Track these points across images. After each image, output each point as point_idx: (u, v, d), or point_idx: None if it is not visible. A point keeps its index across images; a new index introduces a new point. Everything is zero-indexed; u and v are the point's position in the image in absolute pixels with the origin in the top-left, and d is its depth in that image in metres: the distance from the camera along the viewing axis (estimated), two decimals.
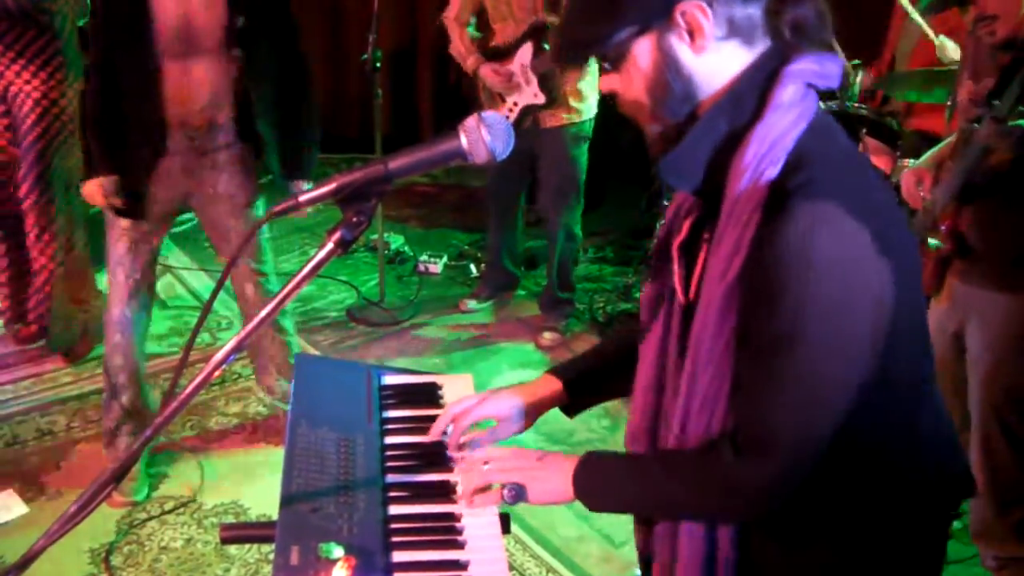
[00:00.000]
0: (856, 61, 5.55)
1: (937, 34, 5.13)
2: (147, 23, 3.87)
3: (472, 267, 6.96)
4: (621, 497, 2.03)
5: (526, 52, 5.48)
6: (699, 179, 1.83)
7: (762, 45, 1.80)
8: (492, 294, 6.50)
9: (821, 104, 4.95)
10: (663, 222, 2.13)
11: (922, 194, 3.63)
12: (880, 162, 5.20)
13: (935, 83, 5.05)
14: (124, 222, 4.16)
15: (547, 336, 5.95)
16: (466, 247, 7.31)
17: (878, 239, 1.68)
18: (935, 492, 2.01)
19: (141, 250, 4.23)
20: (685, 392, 1.89)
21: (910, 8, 5.29)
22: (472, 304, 6.44)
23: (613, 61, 1.84)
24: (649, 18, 1.76)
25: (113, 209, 4.12)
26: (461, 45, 5.73)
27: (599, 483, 2.02)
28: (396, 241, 7.17)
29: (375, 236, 6.54)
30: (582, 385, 2.38)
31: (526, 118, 5.59)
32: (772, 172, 1.72)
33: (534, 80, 5.47)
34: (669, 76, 1.79)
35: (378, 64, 5.92)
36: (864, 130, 5.33)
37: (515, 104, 5.60)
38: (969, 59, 3.62)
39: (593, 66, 5.36)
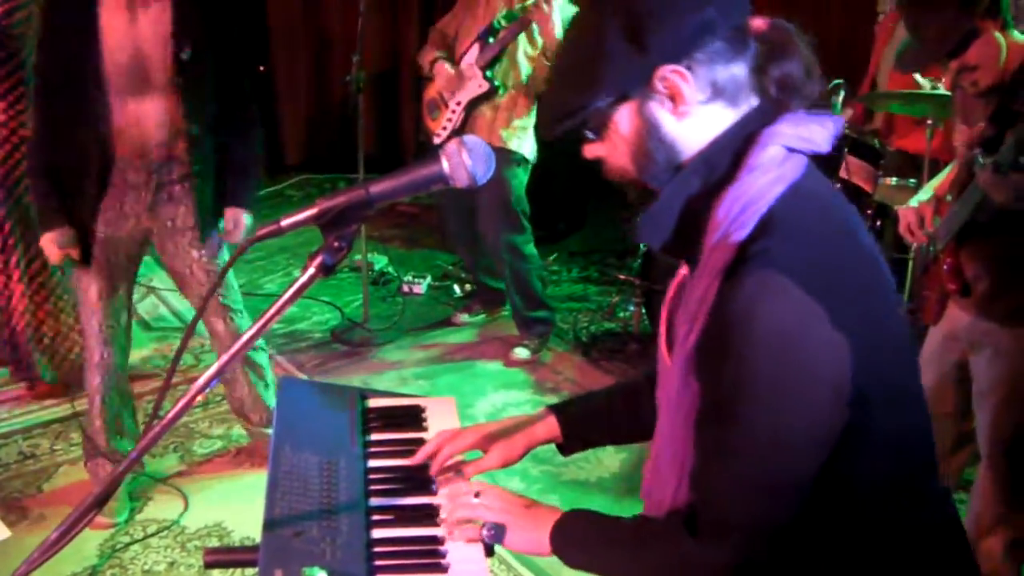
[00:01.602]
0: (838, 80, 5.57)
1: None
2: (96, 63, 3.84)
3: (456, 287, 6.96)
4: (592, 561, 2.00)
5: (472, 53, 5.63)
6: (667, 237, 1.79)
7: (748, 104, 1.77)
8: (483, 308, 6.54)
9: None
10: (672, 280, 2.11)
11: (925, 229, 3.62)
12: (861, 181, 5.22)
13: (915, 100, 5.08)
14: (91, 271, 4.13)
15: (516, 352, 5.95)
16: (450, 267, 7.33)
17: (835, 313, 1.62)
18: None
19: (112, 296, 4.21)
20: (655, 453, 1.88)
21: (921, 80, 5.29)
22: (464, 317, 6.48)
23: (595, 129, 1.81)
24: (628, 86, 1.73)
25: (72, 261, 4.09)
26: (430, 47, 5.92)
27: (574, 543, 2.00)
28: (380, 262, 7.18)
29: (359, 257, 6.54)
30: (579, 428, 2.36)
31: (473, 117, 5.69)
32: (740, 235, 1.67)
33: (478, 73, 5.56)
34: (651, 144, 1.76)
35: (361, 86, 5.93)
36: (846, 149, 5.35)
37: (458, 103, 5.71)
38: (959, 104, 3.62)
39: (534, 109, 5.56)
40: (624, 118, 1.77)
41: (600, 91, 1.74)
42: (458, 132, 5.67)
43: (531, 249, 5.95)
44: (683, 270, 2.00)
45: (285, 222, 1.79)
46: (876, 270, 1.80)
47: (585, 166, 1.93)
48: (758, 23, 1.78)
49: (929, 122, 5.04)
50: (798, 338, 1.62)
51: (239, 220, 4.28)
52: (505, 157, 5.64)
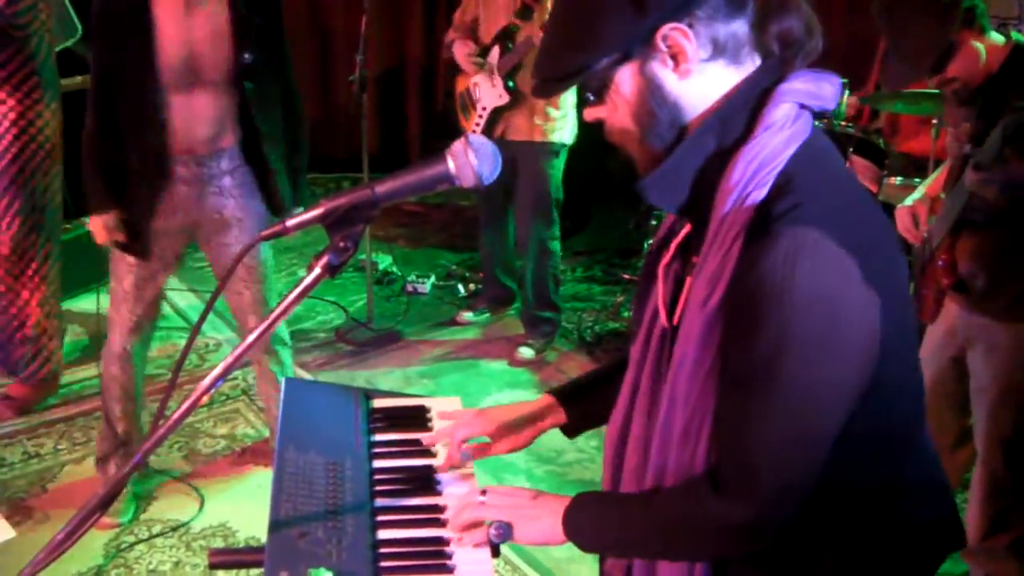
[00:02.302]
0: (843, 80, 5.56)
1: None
2: (152, 58, 3.86)
3: (460, 287, 6.96)
4: (610, 538, 1.98)
5: (494, 54, 5.63)
6: (683, 198, 1.79)
7: (751, 63, 1.77)
8: (488, 307, 6.54)
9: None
10: (652, 241, 2.11)
11: (921, 228, 3.64)
12: (866, 181, 5.22)
13: (921, 99, 5.08)
14: (131, 259, 4.13)
15: (520, 351, 5.96)
16: (454, 267, 7.33)
17: (865, 270, 1.63)
18: (921, 542, 1.97)
19: (147, 287, 4.21)
20: (663, 422, 1.85)
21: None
22: (468, 316, 6.48)
23: (596, 91, 1.80)
24: (630, 45, 1.72)
25: (118, 245, 4.10)
26: (453, 30, 5.95)
27: (588, 524, 1.96)
28: (384, 261, 7.18)
29: (363, 256, 6.53)
30: (582, 407, 2.35)
31: (497, 124, 5.70)
32: (759, 194, 1.67)
33: (499, 81, 5.55)
34: (654, 103, 1.75)
35: (365, 85, 5.93)
36: (851, 149, 5.34)
37: (484, 108, 5.73)
38: (948, 106, 3.66)
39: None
40: (626, 78, 1.76)
41: (601, 51, 1.73)
42: (487, 132, 5.70)
43: (556, 246, 5.99)
44: (672, 224, 2.02)
45: (291, 222, 1.79)
46: (887, 224, 1.83)
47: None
48: None
49: (934, 122, 5.04)
50: (837, 295, 1.63)
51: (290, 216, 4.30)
52: (546, 150, 5.68)
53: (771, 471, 1.71)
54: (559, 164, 5.79)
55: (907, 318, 1.82)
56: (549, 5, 5.32)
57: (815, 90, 1.76)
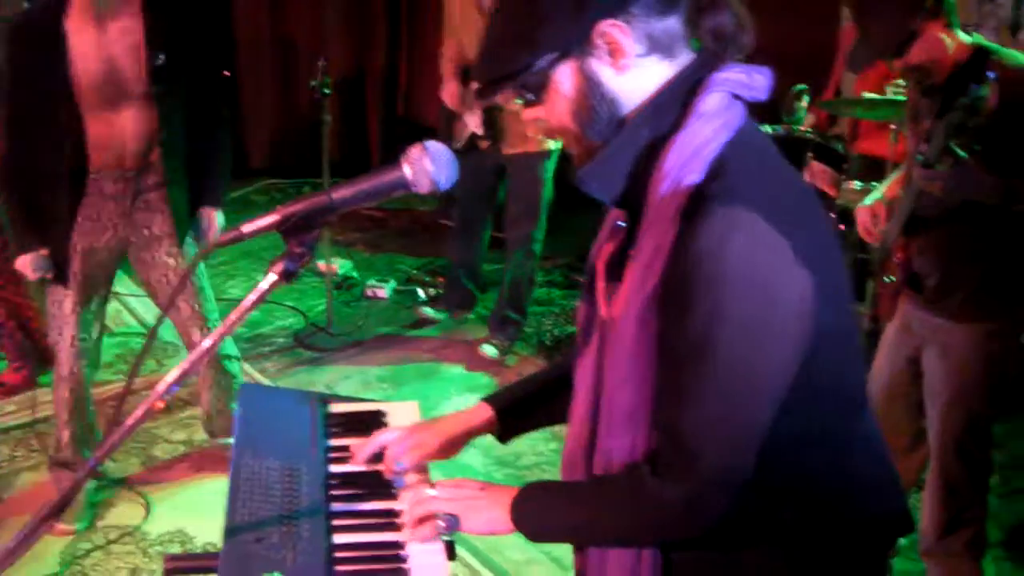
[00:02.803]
0: (802, 86, 5.60)
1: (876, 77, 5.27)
2: (66, 78, 3.83)
3: (420, 291, 6.94)
4: (557, 525, 1.99)
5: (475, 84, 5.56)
6: (619, 188, 1.82)
7: (684, 57, 1.80)
8: (448, 307, 6.55)
9: (769, 128, 5.00)
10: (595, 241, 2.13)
11: (879, 227, 3.68)
12: (825, 185, 5.26)
13: (879, 105, 5.12)
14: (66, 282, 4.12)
15: (484, 348, 6.00)
16: (414, 272, 7.32)
17: (797, 249, 1.66)
18: (870, 531, 1.97)
19: (86, 309, 4.20)
20: (606, 409, 1.86)
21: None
22: (428, 311, 6.50)
23: (535, 90, 1.82)
24: (568, 43, 1.75)
25: (48, 281, 4.09)
26: (446, 61, 5.88)
27: (535, 512, 1.98)
28: (344, 266, 7.16)
29: (322, 261, 6.52)
30: (514, 412, 2.35)
31: (479, 141, 5.71)
32: (693, 179, 1.70)
33: (479, 114, 5.56)
34: (593, 99, 1.78)
35: (327, 91, 5.92)
36: (810, 154, 5.37)
37: (465, 127, 5.74)
38: (910, 105, 3.70)
39: None
40: (565, 76, 1.78)
41: (542, 49, 1.75)
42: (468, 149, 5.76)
43: (539, 248, 6.03)
44: (612, 220, 2.03)
45: (247, 228, 1.79)
46: (821, 212, 1.85)
47: (571, 164, 1.92)
48: None
49: (892, 127, 5.07)
50: (769, 272, 1.65)
51: (213, 218, 4.29)
52: (543, 157, 5.73)
53: (707, 448, 1.72)
54: (551, 166, 5.83)
55: (843, 302, 1.85)
56: None
57: (747, 80, 1.80)
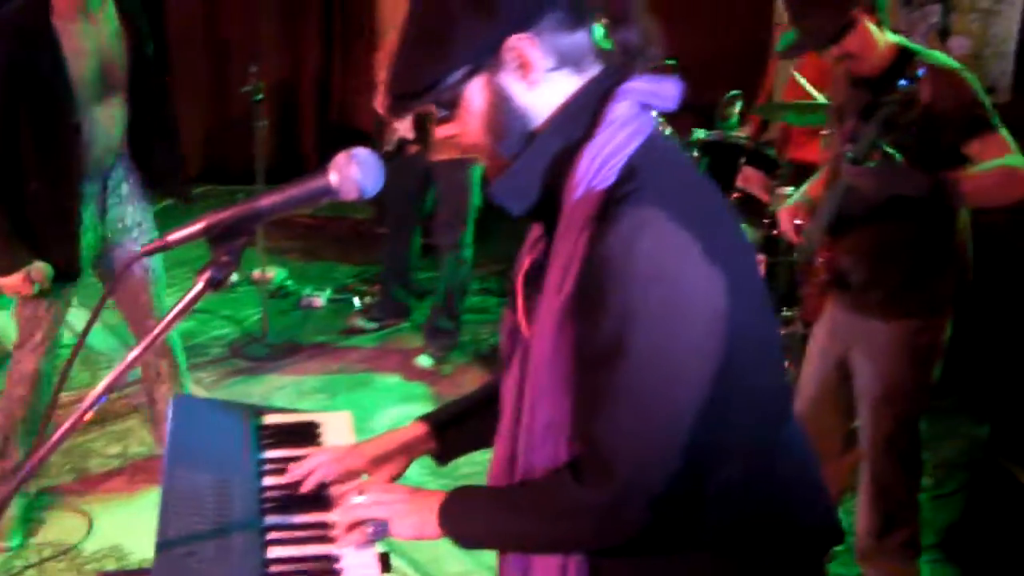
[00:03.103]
0: (735, 92, 5.63)
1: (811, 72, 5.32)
2: (65, 78, 3.81)
3: (356, 300, 6.91)
4: (482, 530, 1.98)
5: None
6: (532, 200, 1.82)
7: (594, 71, 1.81)
8: (382, 317, 6.53)
9: (703, 133, 5.02)
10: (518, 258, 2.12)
11: (803, 228, 3.72)
12: (758, 190, 5.29)
13: (810, 111, 5.17)
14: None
15: (419, 360, 5.97)
16: (350, 280, 7.28)
17: (707, 249, 1.66)
18: (799, 540, 1.97)
19: (60, 307, 4.18)
20: (527, 418, 1.86)
21: (803, 81, 5.43)
22: (361, 322, 6.48)
23: (446, 106, 1.81)
24: (479, 58, 1.75)
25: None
26: (379, 74, 5.94)
27: (461, 516, 1.98)
28: (279, 275, 7.12)
29: (257, 270, 6.48)
30: (451, 432, 2.35)
31: (408, 147, 5.69)
32: (604, 185, 1.71)
33: (409, 115, 5.55)
34: (504, 114, 1.79)
35: (260, 96, 5.88)
36: (743, 159, 5.40)
37: (394, 130, 5.74)
38: (835, 99, 3.76)
39: None
40: (476, 92, 1.78)
41: (453, 64, 1.75)
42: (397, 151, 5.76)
43: (469, 254, 6.01)
44: (535, 236, 2.04)
45: (172, 237, 1.77)
46: (732, 217, 1.86)
47: (485, 177, 1.92)
48: None
49: (823, 132, 5.10)
50: (677, 271, 1.65)
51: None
52: (470, 163, 5.68)
53: (624, 454, 1.71)
54: (477, 170, 5.78)
55: (758, 306, 1.85)
56: None
57: (655, 89, 1.82)
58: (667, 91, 1.83)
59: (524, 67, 1.75)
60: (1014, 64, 6.19)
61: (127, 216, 4.20)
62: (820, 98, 5.18)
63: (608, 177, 1.71)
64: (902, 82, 3.13)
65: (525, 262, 2.02)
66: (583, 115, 1.78)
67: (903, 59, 3.40)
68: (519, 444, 1.90)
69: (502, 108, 1.78)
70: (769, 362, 1.90)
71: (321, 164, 1.84)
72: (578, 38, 1.78)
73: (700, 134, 5.43)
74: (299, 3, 9.17)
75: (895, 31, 3.54)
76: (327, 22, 9.04)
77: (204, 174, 9.24)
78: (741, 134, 5.65)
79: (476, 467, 4.63)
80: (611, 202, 1.68)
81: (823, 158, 4.08)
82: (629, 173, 1.71)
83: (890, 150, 3.17)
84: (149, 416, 4.71)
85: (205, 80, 9.19)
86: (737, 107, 5.63)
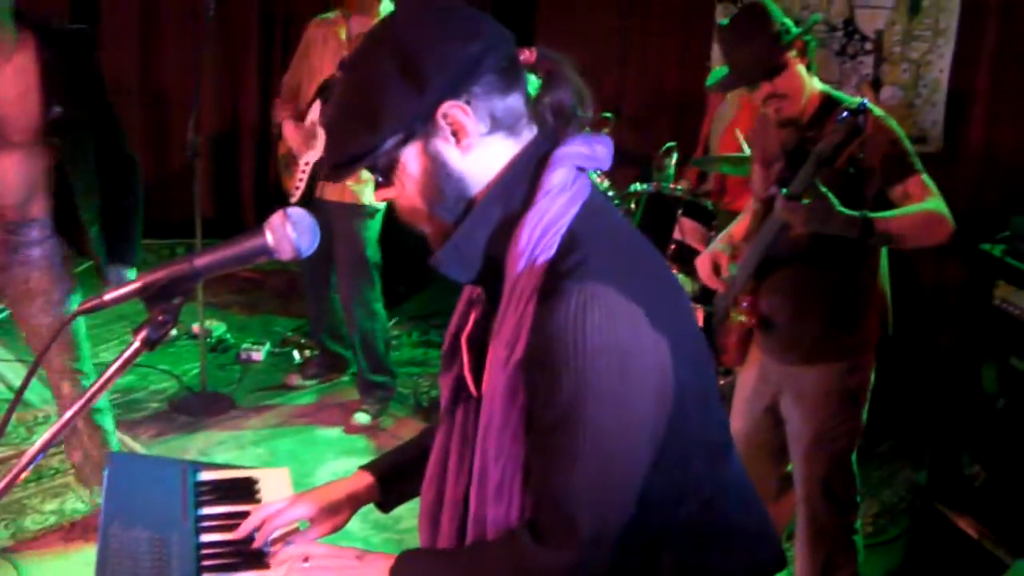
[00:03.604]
0: (670, 144, 5.69)
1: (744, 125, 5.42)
2: None
3: (295, 354, 6.90)
4: None
5: (314, 110, 5.65)
6: (476, 269, 1.86)
7: (528, 133, 1.85)
8: (319, 373, 6.51)
9: (640, 186, 5.07)
10: (453, 315, 2.15)
11: (722, 275, 3.77)
12: (695, 241, 5.34)
13: (744, 163, 5.24)
14: None
15: (356, 417, 5.93)
16: (289, 333, 7.26)
17: (651, 315, 1.72)
18: (752, 572, 2.03)
19: None
20: (477, 480, 1.88)
21: (740, 137, 5.53)
22: (298, 380, 6.45)
23: (384, 172, 1.85)
24: (412, 125, 1.78)
25: None
26: (279, 104, 5.94)
27: None
28: (218, 329, 7.10)
29: (196, 324, 6.45)
30: (394, 480, 2.37)
31: (317, 182, 5.71)
32: (547, 256, 1.75)
33: (322, 135, 5.56)
34: (440, 179, 1.82)
35: (198, 151, 5.87)
36: (680, 210, 5.45)
37: (307, 164, 5.73)
38: (757, 146, 3.83)
39: None
40: (411, 158, 1.81)
41: (385, 132, 1.78)
42: (310, 189, 5.74)
43: (380, 308, 5.96)
44: (473, 294, 2.08)
45: (107, 296, 1.77)
46: (667, 271, 1.94)
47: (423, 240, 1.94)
48: (526, 55, 1.86)
49: None
50: (627, 342, 1.70)
51: (122, 277, 4.24)
52: (358, 212, 5.68)
53: (585, 515, 1.75)
54: (374, 226, 5.79)
55: (699, 355, 1.91)
56: None
57: (589, 152, 1.86)
58: (601, 152, 1.88)
59: (457, 133, 1.78)
60: (944, 113, 6.29)
61: (31, 280, 4.13)
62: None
63: (550, 246, 1.75)
64: (845, 114, 3.20)
65: (469, 320, 2.04)
66: (520, 184, 1.82)
67: (829, 105, 3.48)
68: (470, 501, 1.92)
69: (437, 174, 1.81)
70: (710, 405, 1.95)
71: (261, 216, 1.86)
72: (511, 101, 1.81)
73: (637, 186, 5.48)
74: (238, 55, 9.18)
75: (829, 82, 3.62)
76: (266, 75, 9.04)
77: (144, 227, 9.19)
78: (678, 185, 5.71)
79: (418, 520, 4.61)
80: (557, 275, 1.72)
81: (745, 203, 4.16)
82: (571, 242, 1.75)
83: (823, 189, 3.23)
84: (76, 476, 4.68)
85: (143, 131, 9.14)
86: (673, 158, 5.69)
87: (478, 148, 1.80)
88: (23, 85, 3.83)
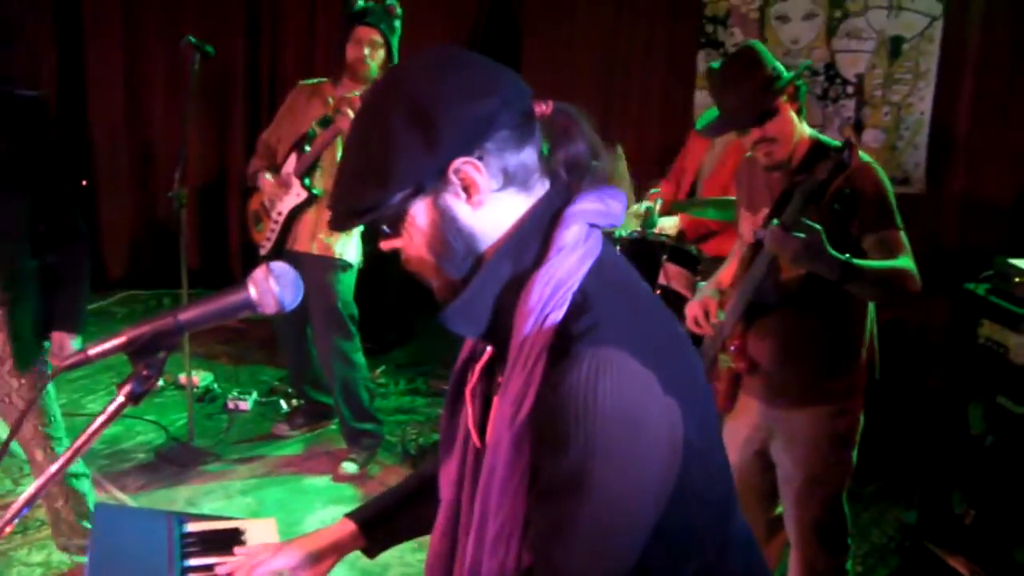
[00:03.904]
0: (655, 189, 5.71)
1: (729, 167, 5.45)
2: None
3: (283, 403, 6.89)
4: None
5: (290, 163, 5.69)
6: (484, 325, 1.83)
7: (540, 188, 1.83)
8: (306, 422, 6.50)
9: (625, 231, 5.05)
10: (456, 365, 2.13)
11: (711, 320, 3.76)
12: (680, 287, 5.35)
13: (729, 207, 5.26)
14: None
15: (344, 467, 5.90)
16: (276, 383, 7.25)
17: (664, 379, 1.68)
18: None
19: None
20: (475, 534, 1.86)
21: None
22: (285, 429, 6.44)
23: (391, 223, 1.83)
24: (422, 180, 1.75)
25: None
26: (255, 158, 5.97)
27: None
28: (205, 378, 7.10)
29: (183, 374, 6.44)
30: (378, 526, 2.36)
31: (289, 233, 5.74)
32: (557, 315, 1.71)
33: (296, 183, 5.63)
34: (449, 234, 1.79)
35: (184, 202, 5.88)
36: (665, 256, 5.46)
37: (279, 214, 5.75)
38: (744, 190, 3.84)
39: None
40: (420, 211, 1.79)
41: (395, 188, 1.75)
42: (281, 242, 5.76)
43: (359, 358, 5.93)
44: (474, 347, 2.06)
45: (92, 351, 1.78)
46: (675, 326, 1.88)
47: (411, 277, 1.93)
48: (541, 108, 1.83)
49: None
50: (639, 409, 1.66)
51: (65, 344, 4.14)
52: (329, 264, 5.68)
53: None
54: (347, 280, 5.80)
55: (708, 414, 1.87)
56: (351, 113, 5.42)
57: (603, 208, 1.83)
58: (615, 208, 1.85)
59: (468, 189, 1.76)
60: (926, 155, 6.34)
61: None
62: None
63: (560, 305, 1.72)
64: (832, 151, 3.22)
65: (474, 373, 2.03)
66: (532, 241, 1.80)
67: (818, 150, 3.49)
68: (467, 550, 1.90)
69: (446, 228, 1.79)
70: (717, 465, 1.92)
71: (246, 267, 1.86)
72: (524, 156, 1.80)
73: (621, 232, 5.50)
74: (225, 108, 9.23)
75: (812, 126, 3.64)
76: (253, 127, 9.07)
77: (128, 278, 9.22)
78: (661, 232, 5.72)
79: (406, 568, 4.65)
80: (568, 337, 1.69)
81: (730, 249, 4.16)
82: (583, 302, 1.72)
83: (813, 225, 3.22)
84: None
85: (129, 182, 9.18)
86: (658, 204, 5.70)
87: (489, 204, 1.78)
88: None
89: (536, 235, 1.80)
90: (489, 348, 1.99)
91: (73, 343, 4.16)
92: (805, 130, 3.58)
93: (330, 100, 5.66)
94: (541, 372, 1.70)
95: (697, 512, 1.82)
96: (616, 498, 1.68)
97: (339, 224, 1.84)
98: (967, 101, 6.16)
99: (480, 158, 1.75)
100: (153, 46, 9.10)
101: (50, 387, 4.31)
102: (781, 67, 3.54)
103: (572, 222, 1.79)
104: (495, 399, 1.89)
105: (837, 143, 3.48)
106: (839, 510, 3.74)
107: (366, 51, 5.52)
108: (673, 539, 1.78)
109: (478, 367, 2.02)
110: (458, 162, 1.74)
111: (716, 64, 3.62)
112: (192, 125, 5.95)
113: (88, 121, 9.03)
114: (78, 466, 4.48)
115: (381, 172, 1.75)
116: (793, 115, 3.52)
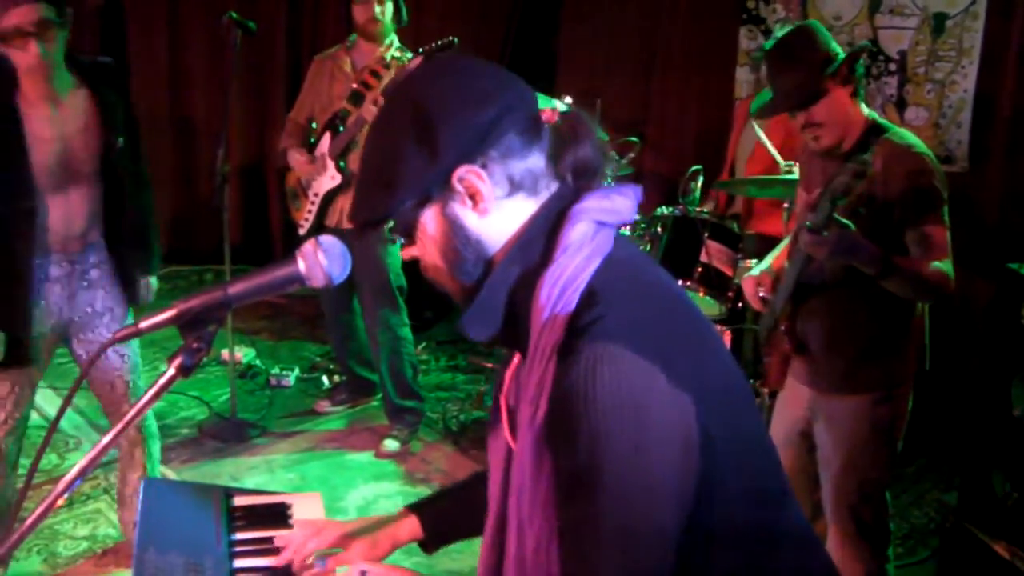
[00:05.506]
0: (697, 167, 5.70)
1: (777, 137, 5.41)
2: (23, 162, 3.82)
3: (324, 379, 6.94)
4: None
5: (324, 142, 5.74)
6: (496, 328, 1.84)
7: (547, 192, 1.84)
8: (348, 398, 6.53)
9: (666, 209, 5.05)
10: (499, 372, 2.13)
11: (763, 295, 3.75)
12: (722, 264, 5.34)
13: (772, 184, 5.23)
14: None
15: (386, 444, 5.92)
16: (318, 359, 7.30)
17: (671, 371, 1.66)
18: None
19: (24, 390, 4.13)
20: (515, 540, 1.86)
21: (763, 137, 5.53)
22: (327, 405, 6.47)
23: (405, 232, 1.86)
24: (428, 189, 1.78)
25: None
26: (285, 136, 6.06)
27: None
28: (248, 355, 7.14)
29: (226, 351, 6.48)
30: (439, 525, 2.37)
31: (330, 212, 5.80)
32: (565, 313, 1.71)
33: (331, 165, 5.65)
34: (458, 242, 1.81)
35: (227, 179, 5.91)
36: (706, 233, 5.45)
37: (315, 195, 5.81)
38: (804, 167, 3.81)
39: None
40: (429, 219, 1.82)
41: (402, 196, 1.78)
42: (320, 221, 5.81)
43: (406, 332, 5.97)
44: (515, 357, 2.03)
45: (144, 324, 1.79)
46: (695, 317, 1.86)
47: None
48: (548, 114, 1.84)
49: (785, 205, 5.19)
50: (641, 399, 1.64)
51: (149, 286, 4.43)
52: (379, 237, 5.68)
53: None
54: (395, 251, 5.80)
55: (739, 405, 1.86)
56: (380, 87, 5.45)
57: (609, 206, 1.82)
58: (622, 205, 1.84)
59: (474, 197, 1.78)
60: (970, 133, 6.29)
61: (96, 301, 4.18)
62: (782, 162, 5.25)
63: (570, 303, 1.72)
64: (864, 156, 3.19)
65: (507, 379, 2.04)
66: (539, 241, 1.81)
67: (874, 133, 3.45)
68: (510, 563, 1.89)
69: (455, 236, 1.81)
70: (759, 453, 1.90)
71: (289, 242, 1.88)
72: (531, 162, 1.81)
73: (663, 210, 5.49)
74: (266, 86, 9.26)
75: None
76: (293, 103, 9.09)
77: (172, 254, 9.26)
78: (703, 209, 5.71)
79: (448, 548, 4.65)
80: (574, 333, 1.69)
81: (787, 231, 4.14)
82: (589, 299, 1.71)
83: (844, 221, 3.21)
84: (118, 499, 4.69)
85: (172, 161, 9.22)
86: (699, 182, 5.69)
87: (496, 211, 1.80)
88: (82, 120, 3.94)
89: (541, 236, 1.81)
90: (517, 354, 1.99)
91: (155, 283, 4.46)
92: (862, 111, 3.51)
93: (347, 67, 5.73)
94: (552, 371, 1.70)
95: (733, 505, 1.79)
96: (629, 489, 1.66)
97: (361, 234, 1.87)
98: (1011, 79, 6.09)
99: (483, 166, 1.77)
100: (195, 23, 9.14)
101: (136, 342, 4.37)
102: (837, 46, 3.49)
103: (577, 221, 1.79)
104: (519, 404, 1.88)
105: (894, 127, 3.45)
106: (878, 500, 3.70)
107: (376, 9, 5.59)
108: (707, 532, 1.75)
109: (508, 372, 2.03)
110: (461, 170, 1.76)
111: (768, 44, 3.60)
112: (234, 102, 5.97)
113: (130, 98, 9.06)
114: (154, 426, 4.58)
115: (389, 181, 1.79)
116: (847, 98, 3.47)
